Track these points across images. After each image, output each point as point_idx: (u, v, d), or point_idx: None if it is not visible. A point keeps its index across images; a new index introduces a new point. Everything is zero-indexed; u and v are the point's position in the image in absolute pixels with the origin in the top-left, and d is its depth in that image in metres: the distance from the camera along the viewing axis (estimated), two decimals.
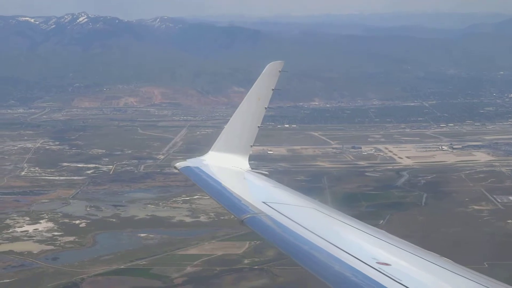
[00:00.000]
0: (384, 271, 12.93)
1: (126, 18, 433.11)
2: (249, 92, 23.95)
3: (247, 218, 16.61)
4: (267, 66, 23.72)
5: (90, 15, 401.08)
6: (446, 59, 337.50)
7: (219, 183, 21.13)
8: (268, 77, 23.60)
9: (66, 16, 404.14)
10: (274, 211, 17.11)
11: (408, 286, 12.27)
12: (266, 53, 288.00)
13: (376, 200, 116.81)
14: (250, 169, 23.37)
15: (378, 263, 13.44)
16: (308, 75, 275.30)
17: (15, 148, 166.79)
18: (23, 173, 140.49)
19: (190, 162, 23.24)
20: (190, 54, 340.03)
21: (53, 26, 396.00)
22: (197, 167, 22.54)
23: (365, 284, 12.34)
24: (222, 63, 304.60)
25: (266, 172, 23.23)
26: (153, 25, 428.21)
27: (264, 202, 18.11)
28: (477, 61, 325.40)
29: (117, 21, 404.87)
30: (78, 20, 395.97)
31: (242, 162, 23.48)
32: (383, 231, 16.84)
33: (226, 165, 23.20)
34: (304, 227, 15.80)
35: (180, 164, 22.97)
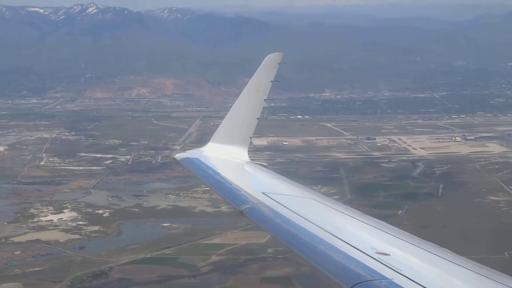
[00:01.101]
0: (383, 261, 13.00)
1: (134, 8, 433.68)
2: (248, 84, 24.15)
3: (247, 208, 16.59)
4: (266, 58, 23.94)
5: (99, 6, 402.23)
6: (453, 50, 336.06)
7: (219, 174, 21.07)
8: (267, 69, 23.76)
9: (75, 7, 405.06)
10: (274, 202, 17.12)
11: (407, 276, 12.28)
12: (275, 44, 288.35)
13: (393, 191, 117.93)
14: (250, 160, 23.39)
15: (377, 253, 13.54)
16: (318, 66, 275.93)
17: (32, 138, 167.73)
18: (42, 163, 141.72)
19: (190, 154, 23.33)
20: (199, 45, 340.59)
21: (63, 16, 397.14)
22: (197, 158, 22.55)
23: (364, 273, 12.35)
24: (231, 54, 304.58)
25: (266, 164, 23.37)
26: (162, 16, 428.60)
27: (263, 193, 18.17)
28: (484, 52, 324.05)
29: (126, 11, 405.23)
30: (87, 11, 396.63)
31: (241, 154, 23.45)
32: (383, 221, 17.01)
33: (226, 157, 23.18)
34: (304, 218, 15.85)
35: (179, 156, 23.10)
